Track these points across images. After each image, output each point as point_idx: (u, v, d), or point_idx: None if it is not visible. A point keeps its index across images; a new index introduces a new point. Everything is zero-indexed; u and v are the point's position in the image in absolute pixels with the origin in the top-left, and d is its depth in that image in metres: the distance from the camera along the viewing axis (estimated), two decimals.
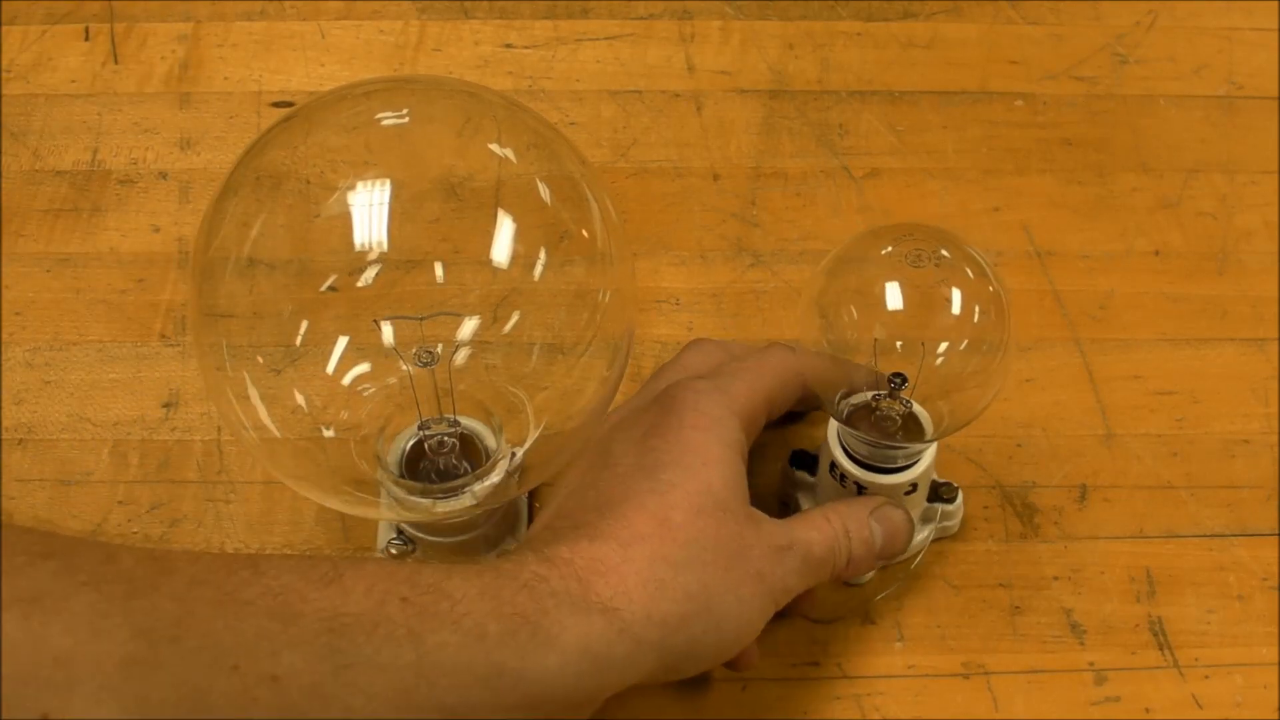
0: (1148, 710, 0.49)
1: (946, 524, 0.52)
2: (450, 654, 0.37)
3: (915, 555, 0.51)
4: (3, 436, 0.54)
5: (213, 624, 0.34)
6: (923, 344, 0.46)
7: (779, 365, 0.49)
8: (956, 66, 0.67)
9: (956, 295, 0.46)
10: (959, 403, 0.47)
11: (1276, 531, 0.53)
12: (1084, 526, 0.53)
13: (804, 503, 0.51)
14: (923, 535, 0.50)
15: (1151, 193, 0.63)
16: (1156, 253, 0.61)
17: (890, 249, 0.47)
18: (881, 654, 0.49)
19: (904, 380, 0.47)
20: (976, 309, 0.46)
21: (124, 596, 0.33)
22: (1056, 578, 0.52)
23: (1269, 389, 0.57)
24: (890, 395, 0.47)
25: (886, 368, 0.47)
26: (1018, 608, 0.51)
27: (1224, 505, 0.54)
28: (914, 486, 0.48)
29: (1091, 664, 0.50)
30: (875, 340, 0.47)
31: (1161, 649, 0.50)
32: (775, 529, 0.44)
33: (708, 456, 0.44)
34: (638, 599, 0.40)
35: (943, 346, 0.46)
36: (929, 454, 0.48)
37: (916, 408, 0.47)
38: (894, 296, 0.47)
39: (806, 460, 0.51)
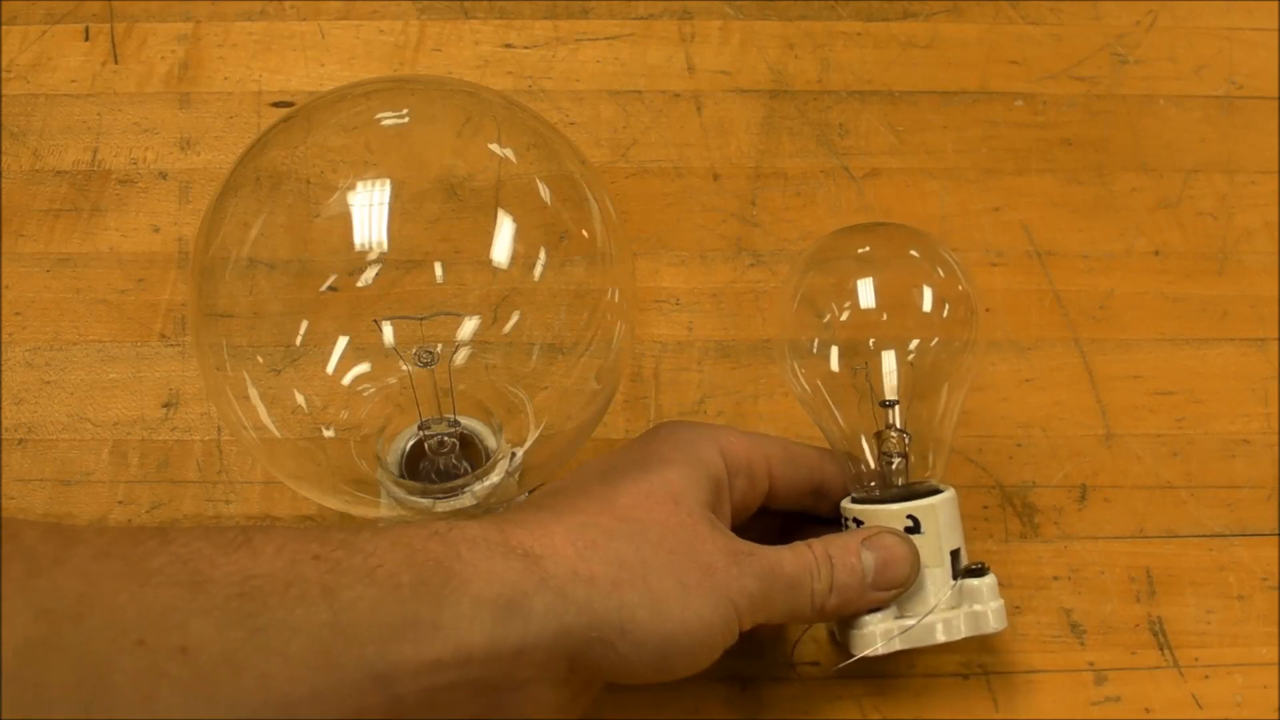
0: (1148, 710, 0.49)
1: (978, 608, 0.45)
2: (365, 609, 0.36)
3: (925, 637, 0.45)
4: (3, 436, 0.54)
5: (117, 597, 0.33)
6: (910, 359, 0.46)
7: (790, 441, 0.47)
8: (956, 66, 0.67)
9: (926, 293, 0.47)
10: (948, 406, 0.47)
11: (1276, 531, 0.53)
12: (1084, 526, 0.53)
13: None
14: (947, 614, 0.45)
15: (1151, 193, 0.63)
16: (1156, 253, 0.61)
17: (857, 253, 0.48)
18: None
19: (894, 402, 0.46)
20: (941, 299, 0.47)
21: (25, 575, 0.33)
22: (1056, 578, 0.52)
23: (1269, 389, 0.57)
24: (889, 427, 0.47)
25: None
26: (1017, 608, 0.51)
27: (1224, 505, 0.54)
28: (915, 522, 0.45)
29: (1091, 664, 0.50)
30: (866, 365, 0.46)
31: (1161, 649, 0.50)
32: (734, 538, 0.42)
33: (669, 460, 0.43)
34: (563, 552, 0.38)
35: (913, 344, 0.46)
36: (939, 495, 0.46)
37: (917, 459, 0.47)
38: (866, 299, 0.47)
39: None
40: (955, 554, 0.46)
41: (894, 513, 0.45)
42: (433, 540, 0.38)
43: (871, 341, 0.47)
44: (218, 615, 0.34)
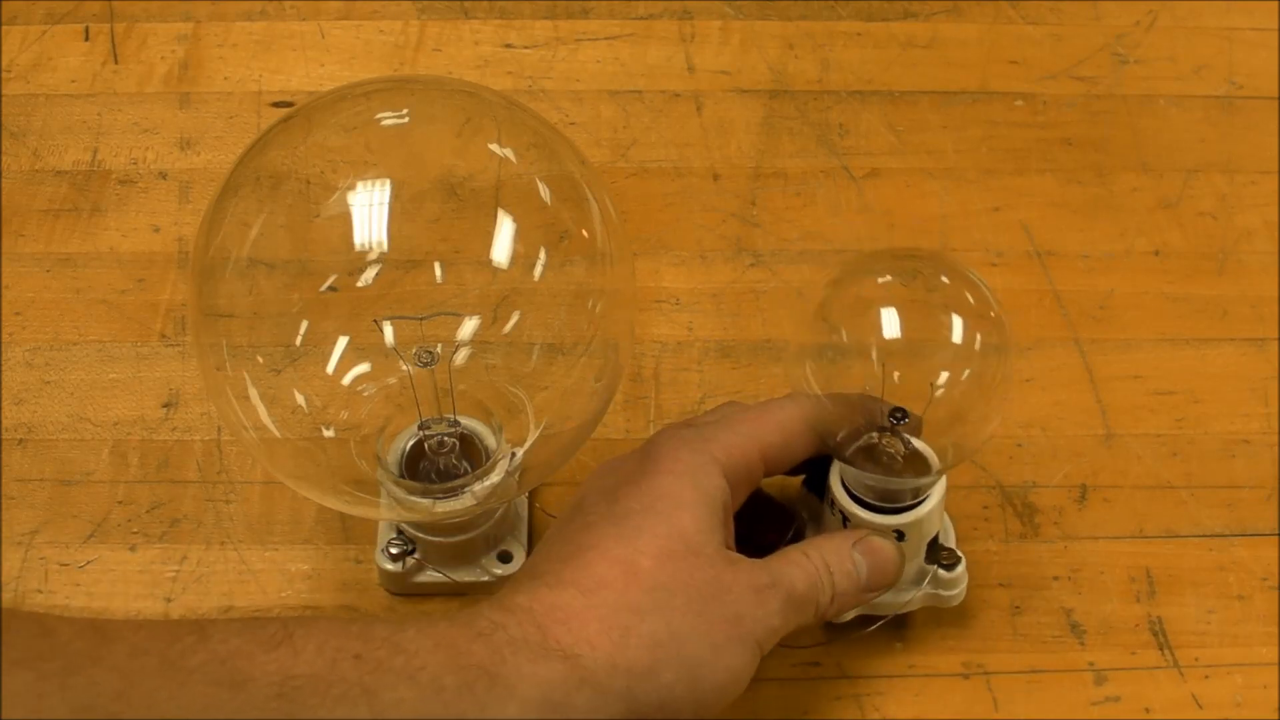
0: (1148, 710, 0.49)
1: (942, 593, 0.48)
2: (407, 711, 0.36)
3: (882, 617, 0.48)
4: (3, 436, 0.54)
5: (156, 696, 0.33)
6: (931, 384, 0.45)
7: (781, 418, 0.46)
8: (956, 66, 0.67)
9: (956, 322, 0.46)
10: (962, 434, 0.46)
11: (1276, 531, 0.53)
12: (1084, 526, 0.53)
13: (809, 533, 0.49)
14: (906, 596, 0.48)
15: (1151, 193, 0.63)
16: (1156, 253, 0.61)
17: (888, 276, 0.47)
18: (881, 654, 0.49)
19: (904, 415, 0.46)
20: (977, 336, 0.46)
21: (61, 673, 0.32)
22: (1056, 578, 0.52)
23: (1269, 389, 0.57)
24: (892, 432, 0.46)
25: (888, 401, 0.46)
26: (1018, 608, 0.51)
27: (1224, 505, 0.54)
28: (901, 534, 0.46)
29: (1091, 664, 0.50)
30: (881, 366, 0.45)
31: (1161, 649, 0.50)
32: (754, 569, 0.42)
33: (680, 500, 0.42)
34: (600, 646, 0.39)
35: (943, 376, 0.45)
36: (928, 504, 0.46)
37: (918, 444, 0.46)
38: (891, 323, 0.46)
39: (819, 484, 0.49)
40: (934, 539, 0.48)
41: (881, 525, 0.46)
42: (477, 643, 0.38)
43: (896, 375, 0.46)
44: (257, 715, 0.34)
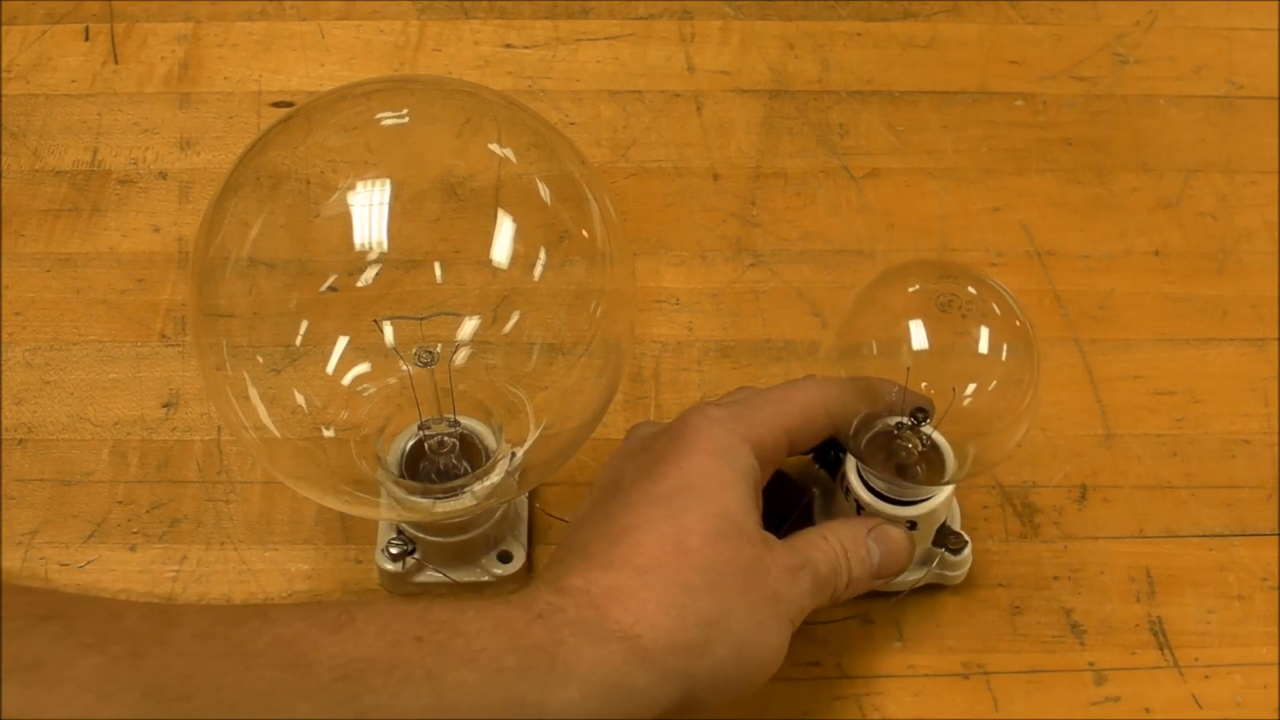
0: (1148, 710, 0.49)
1: (947, 573, 0.50)
2: (469, 692, 0.36)
3: (898, 592, 0.49)
4: (3, 436, 0.54)
5: (223, 679, 0.33)
6: (954, 389, 0.45)
7: (804, 400, 0.47)
8: (956, 66, 0.67)
9: (984, 334, 0.46)
10: (984, 445, 0.46)
11: (1276, 531, 0.53)
12: (1084, 526, 0.53)
13: (818, 507, 0.50)
14: (915, 575, 0.49)
15: (1151, 193, 0.63)
16: (1156, 253, 0.61)
17: (918, 287, 0.47)
18: (881, 654, 0.49)
19: (926, 415, 0.46)
20: (1004, 348, 0.46)
21: (130, 656, 0.33)
22: (1056, 578, 0.52)
23: (1269, 389, 0.57)
24: (911, 429, 0.46)
25: (912, 404, 0.46)
26: (1018, 608, 0.51)
27: (1224, 505, 0.54)
28: (913, 524, 0.47)
29: (1091, 664, 0.50)
30: (908, 369, 0.46)
31: (1161, 649, 0.50)
32: (786, 549, 0.44)
33: (720, 479, 0.43)
34: (658, 626, 0.39)
35: (970, 387, 0.46)
36: (941, 496, 0.47)
37: (939, 438, 0.47)
38: (919, 336, 0.46)
39: (830, 461, 0.50)
40: (942, 523, 0.49)
41: (894, 517, 0.47)
42: (536, 624, 0.38)
43: (925, 385, 0.46)
44: (322, 698, 0.34)
